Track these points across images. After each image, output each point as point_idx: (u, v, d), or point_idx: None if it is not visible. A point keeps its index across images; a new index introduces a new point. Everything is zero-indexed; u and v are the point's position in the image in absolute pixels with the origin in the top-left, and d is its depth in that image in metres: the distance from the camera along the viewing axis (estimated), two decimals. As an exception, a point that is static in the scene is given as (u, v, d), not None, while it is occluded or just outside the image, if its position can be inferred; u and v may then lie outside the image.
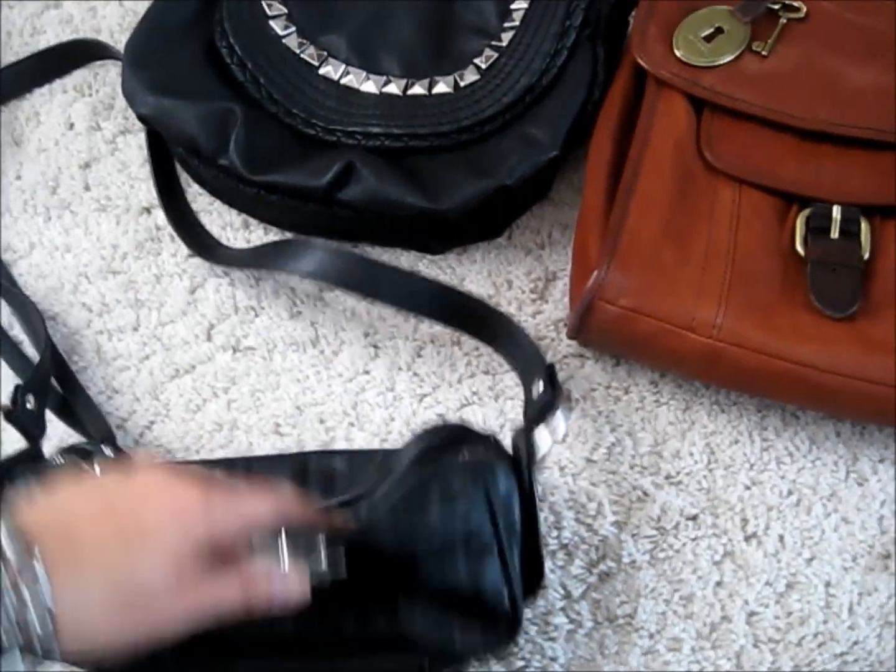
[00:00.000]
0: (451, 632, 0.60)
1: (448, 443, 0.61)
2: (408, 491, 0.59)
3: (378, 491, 0.59)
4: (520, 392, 0.72)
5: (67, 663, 0.51)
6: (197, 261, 0.79)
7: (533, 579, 0.63)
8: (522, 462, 0.62)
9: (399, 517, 0.59)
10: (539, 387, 0.67)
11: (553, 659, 0.67)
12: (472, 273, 0.77)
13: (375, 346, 0.75)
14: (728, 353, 0.67)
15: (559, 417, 0.64)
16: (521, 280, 0.77)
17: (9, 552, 0.45)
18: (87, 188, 0.82)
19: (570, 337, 0.72)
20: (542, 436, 0.64)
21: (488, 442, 0.62)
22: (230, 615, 0.51)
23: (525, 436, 0.64)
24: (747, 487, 0.71)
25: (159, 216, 0.80)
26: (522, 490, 0.61)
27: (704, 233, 0.69)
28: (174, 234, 0.79)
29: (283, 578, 0.53)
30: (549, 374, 0.67)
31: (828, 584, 0.69)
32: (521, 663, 0.67)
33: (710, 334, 0.67)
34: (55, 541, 0.47)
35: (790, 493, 0.71)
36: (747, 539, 0.70)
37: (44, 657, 0.47)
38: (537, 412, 0.65)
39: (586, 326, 0.69)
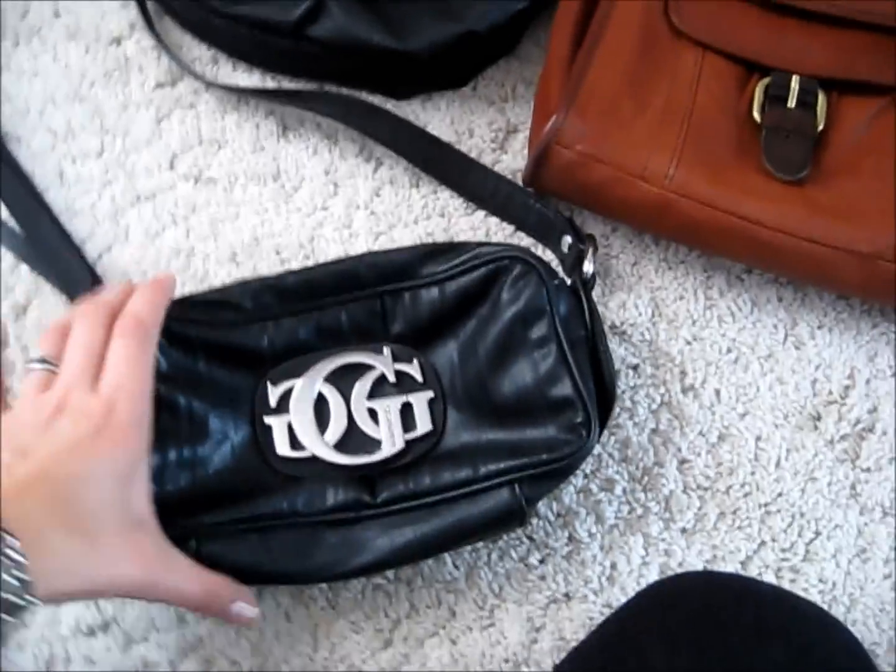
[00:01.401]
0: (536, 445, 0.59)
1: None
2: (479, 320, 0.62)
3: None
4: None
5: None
6: (164, 92, 0.75)
7: (605, 404, 0.61)
8: (580, 291, 0.63)
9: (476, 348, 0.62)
10: (567, 240, 0.66)
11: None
12: (434, 120, 0.73)
13: (335, 184, 0.72)
14: (677, 204, 0.65)
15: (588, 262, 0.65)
16: (483, 130, 0.73)
17: None
18: (56, 15, 0.77)
19: (525, 184, 0.70)
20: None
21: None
22: None
23: (578, 276, 0.64)
24: (688, 342, 0.69)
25: (129, 47, 0.76)
26: (583, 315, 0.62)
27: (664, 90, 0.67)
28: (142, 66, 0.75)
29: None
30: (573, 227, 0.66)
31: (758, 439, 0.67)
32: (457, 494, 0.65)
33: (661, 184, 0.65)
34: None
35: (729, 350, 0.69)
36: (685, 391, 0.68)
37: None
38: (574, 261, 0.65)
39: (542, 172, 0.67)
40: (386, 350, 0.61)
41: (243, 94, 0.73)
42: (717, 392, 0.68)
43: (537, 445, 0.58)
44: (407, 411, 0.60)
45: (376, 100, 0.74)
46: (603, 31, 0.68)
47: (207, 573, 0.55)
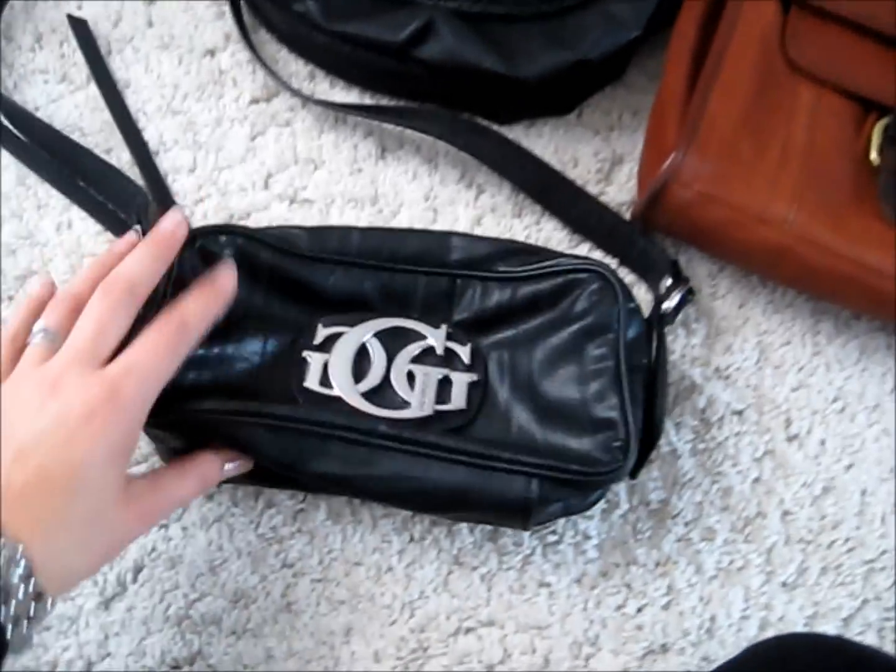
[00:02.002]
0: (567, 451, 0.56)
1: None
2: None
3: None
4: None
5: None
6: (259, 107, 0.71)
7: (648, 440, 0.58)
8: (654, 321, 0.61)
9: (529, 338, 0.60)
10: (667, 282, 0.64)
11: (587, 537, 0.63)
12: (538, 147, 0.70)
13: (435, 210, 0.69)
14: (796, 249, 0.62)
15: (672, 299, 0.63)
16: (588, 159, 0.70)
17: None
18: (149, 24, 0.74)
19: (634, 218, 0.66)
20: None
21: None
22: None
23: (657, 306, 0.63)
24: (794, 389, 0.66)
25: (223, 59, 0.73)
26: (650, 344, 0.60)
27: (782, 129, 0.63)
28: (237, 80, 0.72)
29: None
30: (676, 270, 0.64)
31: (864, 493, 0.64)
32: (553, 538, 0.63)
33: (781, 229, 0.61)
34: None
35: (836, 399, 0.66)
36: (789, 439, 0.65)
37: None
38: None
39: (656, 209, 0.63)
40: (443, 327, 0.59)
41: (342, 112, 0.70)
42: (823, 442, 0.65)
43: (570, 455, 0.55)
44: (445, 385, 0.58)
45: (479, 122, 0.70)
46: (720, 67, 0.64)
47: (190, 464, 0.54)
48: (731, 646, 0.61)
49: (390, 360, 0.58)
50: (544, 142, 0.71)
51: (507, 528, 0.62)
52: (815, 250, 0.61)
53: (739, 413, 0.65)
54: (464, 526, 0.62)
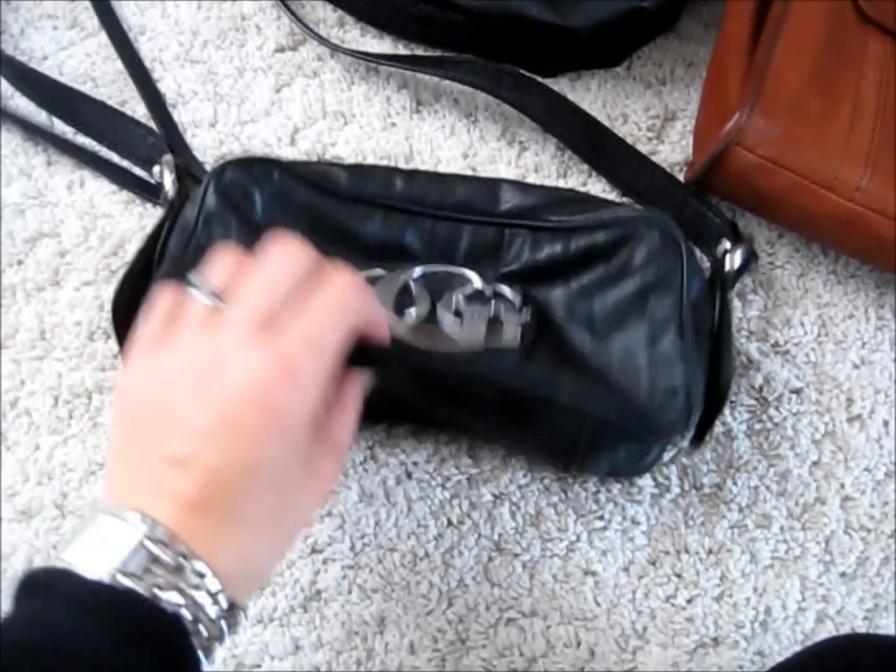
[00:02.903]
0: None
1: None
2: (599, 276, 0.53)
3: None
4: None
5: None
6: (284, 57, 0.65)
7: (713, 405, 0.53)
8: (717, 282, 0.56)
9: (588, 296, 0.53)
10: (725, 245, 0.58)
11: (635, 522, 0.57)
12: (585, 102, 0.63)
13: (474, 169, 0.62)
14: (867, 219, 0.55)
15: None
16: (638, 116, 0.63)
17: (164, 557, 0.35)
18: (166, -36, 0.67)
19: (689, 181, 0.60)
20: None
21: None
22: None
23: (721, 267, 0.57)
24: (856, 366, 0.60)
25: (245, 4, 0.66)
26: (713, 306, 0.55)
27: (853, 87, 0.57)
28: (260, 26, 0.65)
29: None
30: (735, 232, 0.58)
31: (930, 477, 0.58)
32: (600, 523, 0.57)
33: (851, 197, 0.55)
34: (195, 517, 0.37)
35: (901, 377, 0.59)
36: (850, 420, 0.59)
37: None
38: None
39: (715, 173, 0.57)
40: (490, 273, 0.54)
41: (374, 62, 0.63)
42: (886, 423, 0.59)
43: (628, 413, 0.50)
44: (495, 324, 0.52)
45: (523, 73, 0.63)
46: (787, 15, 0.58)
47: (343, 398, 0.43)
48: (786, 640, 0.56)
49: (435, 300, 0.53)
50: (591, 96, 0.64)
51: (550, 514, 0.56)
52: (887, 220, 0.55)
53: (798, 391, 0.59)
54: (505, 510, 0.57)
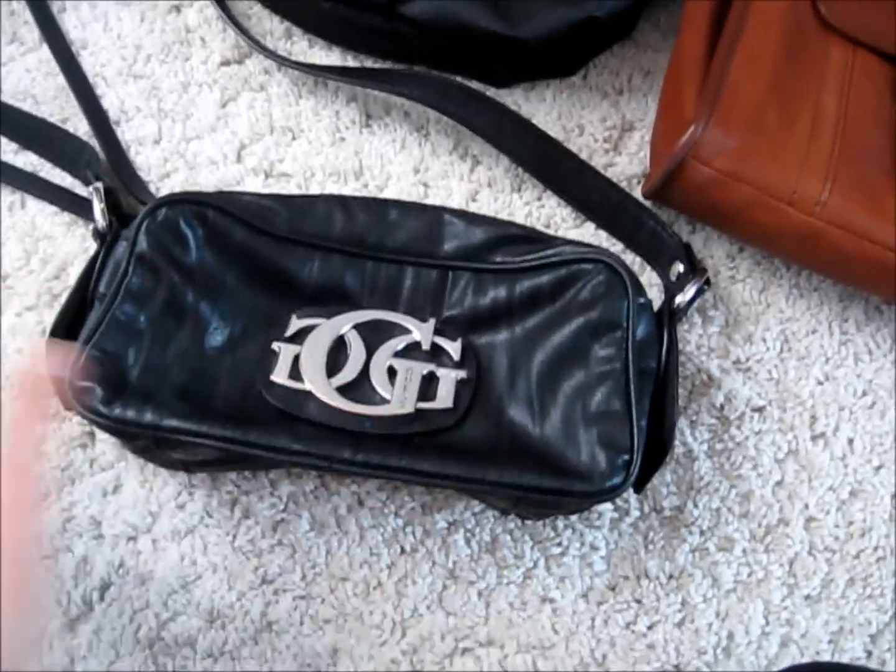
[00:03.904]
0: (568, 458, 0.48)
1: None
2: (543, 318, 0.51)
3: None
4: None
5: None
6: (230, 70, 0.61)
7: (655, 452, 0.49)
8: (664, 320, 0.52)
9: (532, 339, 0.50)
10: (678, 268, 0.54)
11: (594, 548, 0.54)
12: (539, 113, 0.60)
13: (426, 185, 0.59)
14: (828, 234, 0.53)
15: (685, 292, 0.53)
16: (595, 126, 0.60)
17: None
18: (109, -24, 0.63)
19: (646, 196, 0.56)
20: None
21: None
22: None
23: (668, 303, 0.53)
24: (820, 383, 0.57)
25: (189, 16, 0.62)
26: (661, 345, 0.51)
27: (813, 97, 0.53)
28: (205, 39, 0.61)
29: None
30: (689, 255, 0.54)
31: (895, 496, 0.55)
32: (557, 549, 0.54)
33: (811, 212, 0.52)
34: None
35: (865, 393, 0.57)
36: (814, 439, 0.56)
37: None
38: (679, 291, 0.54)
39: (672, 187, 0.54)
40: (431, 321, 0.50)
41: (322, 75, 0.59)
42: (851, 441, 0.56)
43: (569, 469, 0.47)
44: (430, 382, 0.49)
45: (473, 87, 0.59)
46: (743, 26, 0.55)
47: None
48: (750, 665, 0.53)
49: (370, 354, 0.50)
50: (546, 107, 0.60)
51: (506, 541, 0.53)
52: (849, 235, 0.52)
53: (760, 410, 0.56)
54: (459, 537, 0.54)
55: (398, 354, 0.50)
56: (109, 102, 0.61)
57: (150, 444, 0.48)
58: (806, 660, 0.53)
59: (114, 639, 0.53)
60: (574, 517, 0.54)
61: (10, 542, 0.36)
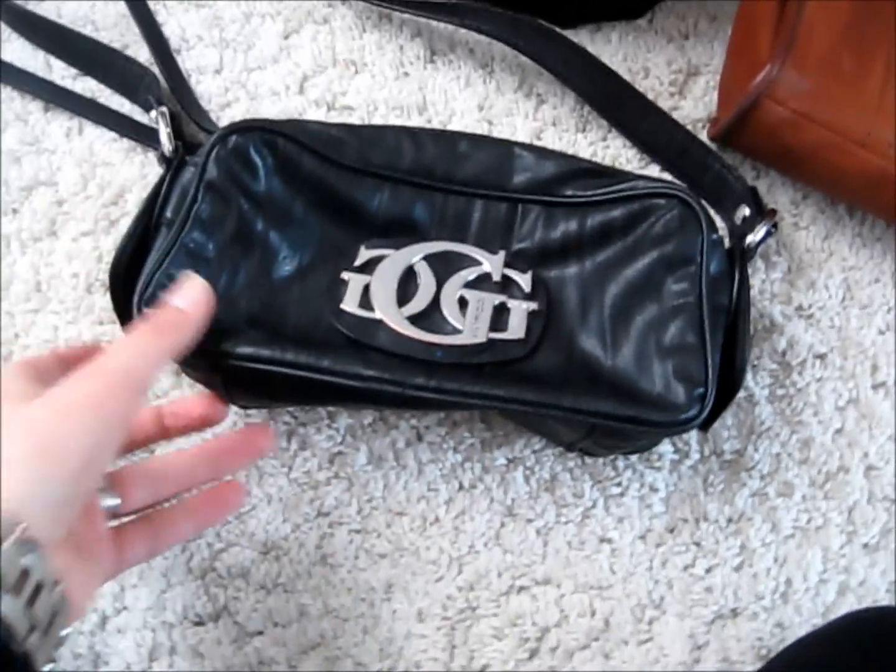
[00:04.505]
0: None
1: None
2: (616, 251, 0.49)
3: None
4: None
5: None
6: (294, 3, 0.59)
7: (726, 389, 0.48)
8: (736, 257, 0.50)
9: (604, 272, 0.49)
10: (744, 211, 0.52)
11: (654, 489, 0.53)
12: (605, 55, 0.58)
13: (489, 122, 0.57)
14: (900, 177, 0.50)
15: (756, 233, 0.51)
16: (661, 69, 0.58)
17: None
18: None
19: (714, 139, 0.55)
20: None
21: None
22: None
23: (739, 241, 0.51)
24: (881, 332, 0.55)
25: (253, -53, 0.60)
26: (733, 282, 0.49)
27: (885, 45, 0.52)
28: (268, -32, 0.59)
29: None
30: (756, 199, 0.53)
31: (955, 446, 0.54)
32: (617, 490, 0.53)
33: (884, 154, 0.51)
34: None
35: (927, 343, 0.55)
36: (875, 387, 0.55)
37: None
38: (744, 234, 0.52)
39: (743, 129, 0.52)
40: (501, 253, 0.49)
41: (386, 8, 0.57)
42: (912, 390, 0.54)
43: (643, 398, 0.45)
44: (501, 312, 0.48)
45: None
46: (818, -32, 0.52)
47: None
48: (807, 612, 0.52)
49: (440, 285, 0.48)
50: (612, 49, 0.59)
51: (566, 479, 0.52)
52: (921, 179, 0.50)
53: (822, 357, 0.55)
54: (518, 474, 0.53)
55: (469, 285, 0.48)
56: (170, 30, 0.59)
57: (214, 377, 0.47)
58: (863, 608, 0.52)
59: (165, 567, 0.51)
60: (634, 457, 0.53)
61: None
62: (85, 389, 0.35)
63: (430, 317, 0.47)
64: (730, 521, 0.53)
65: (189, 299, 0.41)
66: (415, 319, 0.47)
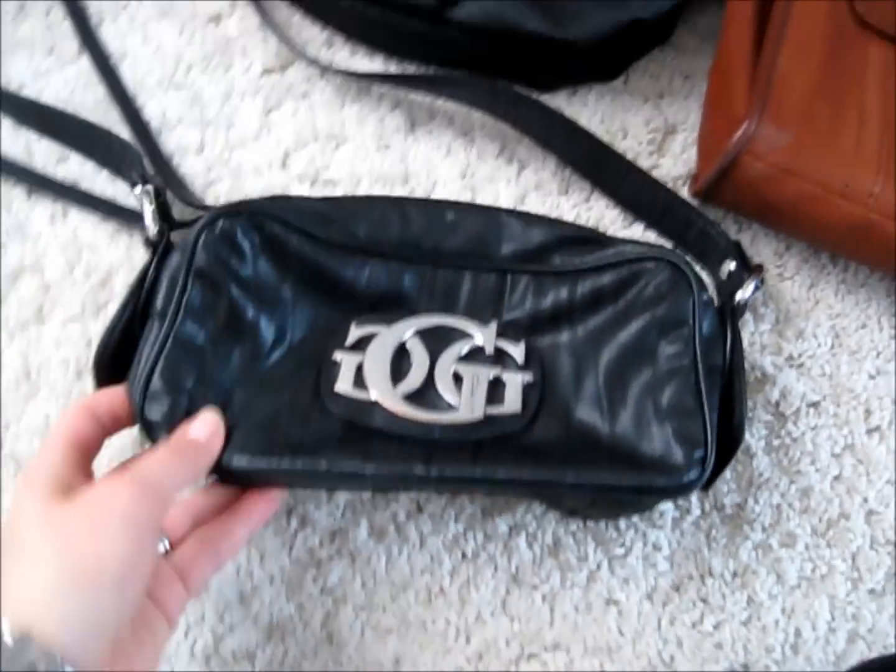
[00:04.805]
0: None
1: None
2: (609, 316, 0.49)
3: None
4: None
5: None
6: (272, 79, 0.60)
7: (725, 447, 0.47)
8: (727, 316, 0.50)
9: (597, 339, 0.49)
10: (729, 266, 0.52)
11: (657, 548, 0.52)
12: (583, 117, 0.59)
13: (473, 189, 0.58)
14: (881, 226, 0.52)
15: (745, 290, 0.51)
16: (638, 129, 0.59)
17: None
18: (146, -11, 0.61)
19: (696, 195, 0.55)
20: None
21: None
22: None
23: (729, 299, 0.51)
24: (872, 377, 0.56)
25: (230, 26, 0.61)
26: (725, 341, 0.49)
27: (857, 93, 0.53)
28: (246, 48, 0.59)
29: None
30: (740, 253, 0.53)
31: (953, 486, 0.54)
32: (620, 550, 0.52)
33: (864, 203, 0.51)
34: None
35: (917, 385, 0.55)
36: (869, 432, 0.55)
37: None
38: (732, 289, 0.52)
39: (724, 184, 0.53)
40: (493, 324, 0.48)
41: (365, 82, 0.58)
42: (906, 433, 0.54)
43: (645, 464, 0.45)
44: (496, 386, 0.47)
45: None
46: (786, 25, 0.54)
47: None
48: (818, 662, 0.51)
49: (434, 361, 0.47)
50: (589, 111, 0.59)
51: (569, 543, 0.52)
52: (903, 226, 0.51)
53: (815, 405, 0.55)
54: (521, 541, 0.52)
55: (462, 360, 0.48)
56: (151, 112, 0.59)
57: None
58: (874, 654, 0.52)
59: (168, 654, 0.50)
60: (636, 517, 0.53)
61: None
62: (118, 497, 0.35)
63: (425, 394, 0.47)
64: (735, 575, 0.52)
65: (206, 433, 0.42)
66: (410, 398, 0.46)
